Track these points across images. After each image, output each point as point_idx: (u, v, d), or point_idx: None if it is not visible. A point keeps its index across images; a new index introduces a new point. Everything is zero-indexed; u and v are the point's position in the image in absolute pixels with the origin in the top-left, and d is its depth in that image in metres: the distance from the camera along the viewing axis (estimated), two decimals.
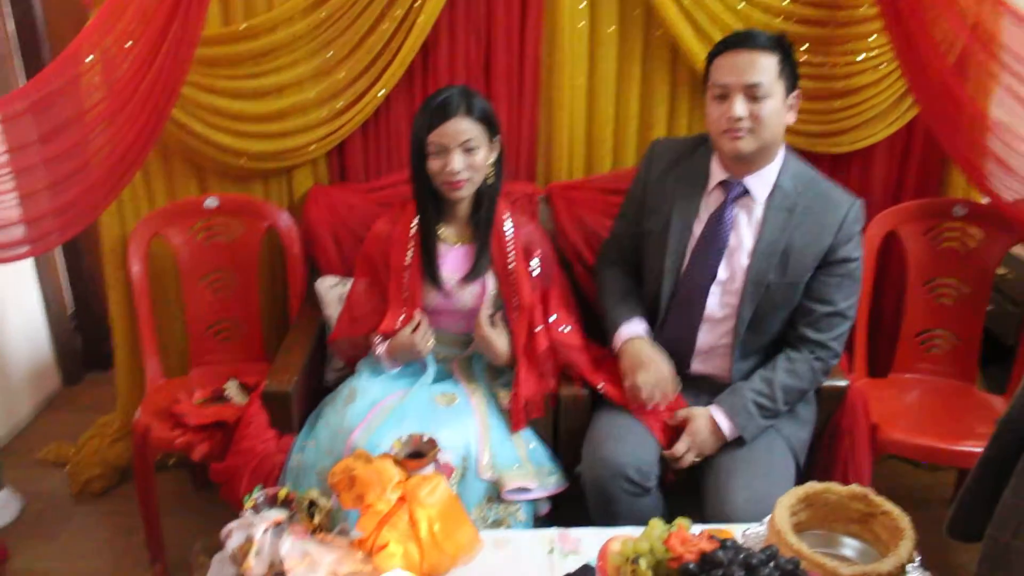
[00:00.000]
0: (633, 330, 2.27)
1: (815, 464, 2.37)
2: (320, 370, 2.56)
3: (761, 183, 2.17)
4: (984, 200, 2.63)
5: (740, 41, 2.10)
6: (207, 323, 2.81)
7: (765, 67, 2.06)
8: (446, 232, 2.37)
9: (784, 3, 2.63)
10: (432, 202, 2.32)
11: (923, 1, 2.39)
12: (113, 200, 2.62)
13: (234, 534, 1.60)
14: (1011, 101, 2.35)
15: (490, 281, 2.35)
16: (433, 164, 2.23)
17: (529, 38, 2.68)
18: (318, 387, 2.51)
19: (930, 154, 2.83)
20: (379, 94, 2.67)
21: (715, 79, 2.12)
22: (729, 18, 2.62)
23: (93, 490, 2.98)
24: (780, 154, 2.19)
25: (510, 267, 2.33)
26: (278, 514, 1.64)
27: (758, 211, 2.17)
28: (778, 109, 2.10)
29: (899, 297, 2.81)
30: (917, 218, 2.72)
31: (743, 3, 2.63)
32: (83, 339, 3.75)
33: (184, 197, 2.81)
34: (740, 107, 2.07)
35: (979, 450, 2.28)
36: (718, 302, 2.21)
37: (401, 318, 2.31)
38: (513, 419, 2.24)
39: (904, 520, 1.49)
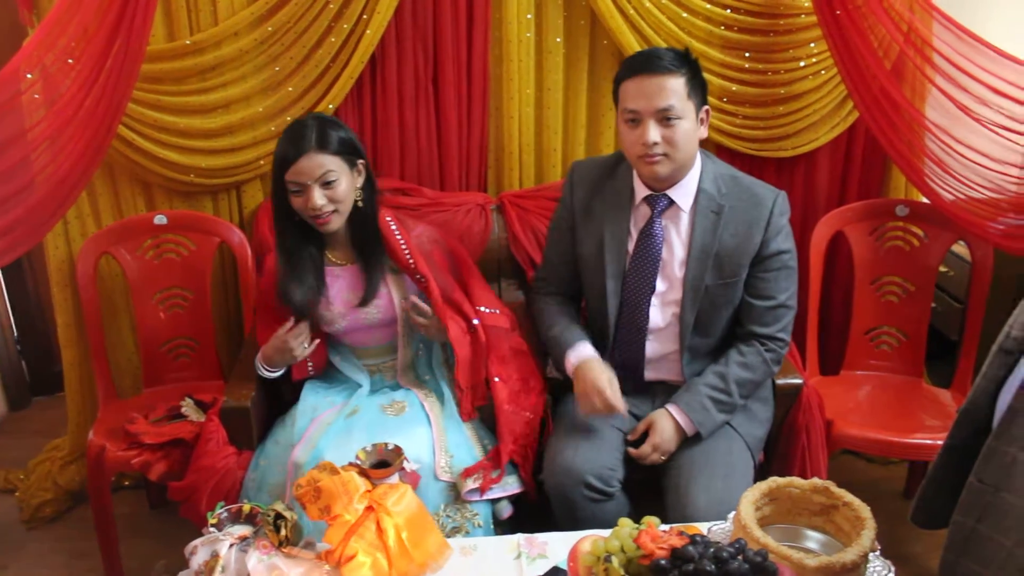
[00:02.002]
0: (582, 353, 2.22)
1: (773, 460, 2.42)
2: (277, 383, 2.54)
3: (684, 192, 2.18)
4: (925, 200, 2.70)
5: (646, 65, 2.05)
6: (160, 341, 2.78)
7: (674, 89, 2.03)
8: (333, 255, 2.36)
9: (727, 12, 2.69)
10: (310, 230, 2.27)
11: (859, 9, 2.46)
12: (58, 220, 2.58)
13: (199, 550, 1.57)
14: (946, 103, 2.42)
15: (395, 292, 2.34)
16: (296, 201, 2.18)
17: (477, 50, 2.70)
18: (276, 402, 2.49)
19: (872, 156, 2.91)
20: (328, 107, 2.66)
21: (625, 104, 2.10)
22: (672, 27, 2.68)
23: (44, 515, 2.91)
24: (698, 160, 2.19)
25: (412, 265, 2.32)
26: (243, 529, 1.62)
27: (686, 219, 2.19)
28: (691, 129, 2.08)
29: (847, 296, 2.88)
30: (862, 218, 2.78)
31: (686, 12, 2.68)
32: (28, 363, 3.67)
33: (131, 215, 2.77)
34: (653, 133, 2.05)
35: (929, 442, 2.38)
36: (660, 313, 2.23)
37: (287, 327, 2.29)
38: (461, 409, 2.26)
39: (865, 511, 1.52)
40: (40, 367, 3.67)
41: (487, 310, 2.38)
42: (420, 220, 2.51)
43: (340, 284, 2.33)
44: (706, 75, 2.67)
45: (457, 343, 2.28)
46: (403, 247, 2.32)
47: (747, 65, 2.75)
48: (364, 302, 2.30)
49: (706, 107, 2.14)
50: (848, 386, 2.75)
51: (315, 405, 2.31)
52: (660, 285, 2.21)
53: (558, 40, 2.73)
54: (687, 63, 2.07)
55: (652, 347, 2.27)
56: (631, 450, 2.17)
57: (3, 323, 3.52)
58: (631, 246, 2.22)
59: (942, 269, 2.86)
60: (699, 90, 2.10)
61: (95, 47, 2.26)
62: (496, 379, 2.27)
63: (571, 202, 2.32)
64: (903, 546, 2.67)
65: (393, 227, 2.34)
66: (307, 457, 2.09)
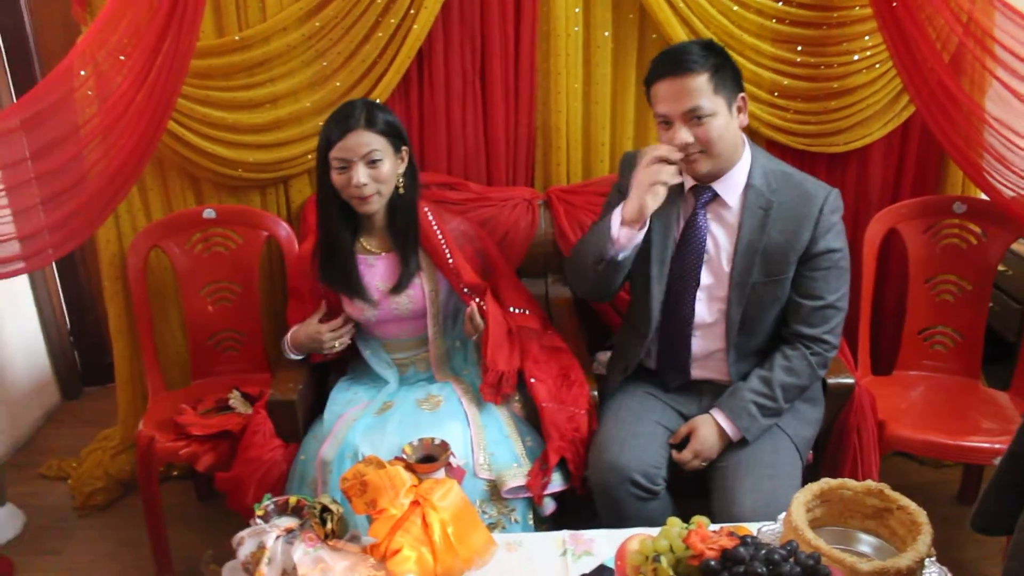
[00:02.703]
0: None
1: (823, 461, 2.38)
2: (324, 377, 2.55)
3: (730, 186, 2.14)
4: (983, 197, 2.63)
5: (668, 67, 2.03)
6: (208, 334, 2.80)
7: (697, 89, 2.00)
8: (368, 243, 2.36)
9: (778, 5, 2.64)
10: (347, 216, 2.29)
11: (916, 0, 2.40)
12: (110, 214, 2.62)
13: (246, 542, 1.58)
14: (1007, 96, 2.35)
15: (426, 283, 2.35)
16: (338, 179, 2.20)
17: (524, 44, 2.68)
18: (322, 396, 2.50)
19: (927, 152, 2.84)
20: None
21: (655, 108, 2.09)
22: (723, 20, 2.64)
23: (96, 503, 2.96)
24: (746, 153, 2.16)
25: (450, 262, 2.33)
26: (289, 521, 1.62)
27: (733, 214, 2.15)
28: (724, 123, 2.05)
29: (901, 295, 2.81)
30: (917, 216, 2.71)
31: (737, 6, 2.64)
32: (81, 354, 3.74)
33: (180, 209, 2.80)
34: (684, 134, 2.03)
35: (987, 445, 2.32)
36: (706, 308, 2.20)
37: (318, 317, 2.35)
38: (485, 393, 2.24)
39: (921, 515, 1.48)
40: (92, 358, 3.73)
41: (516, 311, 2.39)
42: (460, 215, 2.52)
43: (373, 273, 2.34)
44: (757, 69, 2.67)
45: (493, 321, 2.28)
46: (440, 239, 2.33)
47: (799, 59, 2.70)
48: (398, 289, 2.31)
49: (742, 94, 2.09)
50: (901, 387, 2.68)
51: (344, 402, 2.32)
52: (706, 279, 2.18)
53: (606, 34, 2.70)
54: (712, 56, 2.03)
55: (698, 344, 2.24)
56: (674, 453, 2.16)
57: (56, 315, 3.59)
58: (677, 235, 2.20)
59: (1000, 268, 2.79)
60: (729, 81, 2.05)
61: (146, 44, 2.29)
62: (532, 380, 2.26)
63: (625, 185, 2.26)
64: (957, 551, 2.61)
65: (430, 218, 2.35)
66: (334, 454, 2.10)
